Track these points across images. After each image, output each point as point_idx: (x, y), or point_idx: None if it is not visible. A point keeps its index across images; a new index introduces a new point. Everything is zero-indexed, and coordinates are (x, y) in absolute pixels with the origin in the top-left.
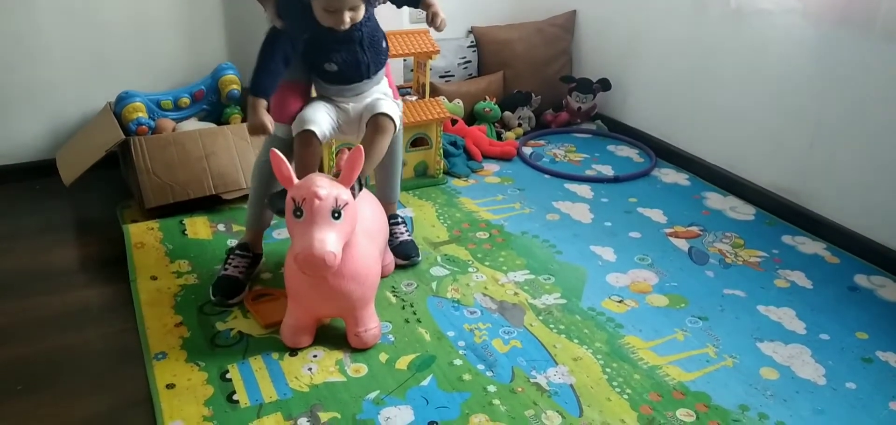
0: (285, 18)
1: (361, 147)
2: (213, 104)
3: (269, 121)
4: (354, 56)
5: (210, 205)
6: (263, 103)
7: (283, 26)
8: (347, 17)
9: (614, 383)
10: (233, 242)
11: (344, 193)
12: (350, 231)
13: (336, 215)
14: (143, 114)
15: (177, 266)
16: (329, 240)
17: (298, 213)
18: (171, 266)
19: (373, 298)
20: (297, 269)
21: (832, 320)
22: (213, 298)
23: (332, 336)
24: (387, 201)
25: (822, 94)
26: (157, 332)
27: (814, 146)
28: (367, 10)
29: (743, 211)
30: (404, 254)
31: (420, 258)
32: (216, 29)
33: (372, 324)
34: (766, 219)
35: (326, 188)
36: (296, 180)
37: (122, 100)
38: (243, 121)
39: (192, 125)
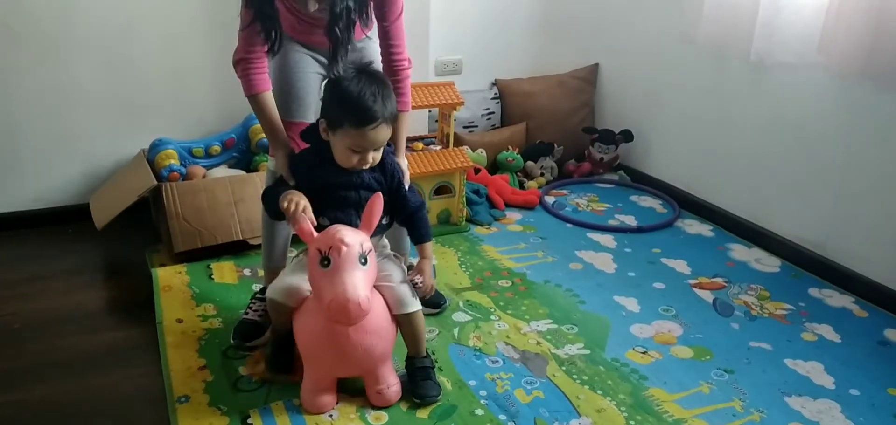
0: (296, 170)
1: (380, 194)
2: (243, 152)
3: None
4: (349, 219)
5: (237, 250)
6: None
7: (292, 182)
8: (370, 157)
9: None
10: (257, 287)
11: (367, 241)
12: (374, 279)
13: (363, 261)
14: (175, 161)
15: (202, 309)
16: (361, 285)
17: (325, 263)
18: (197, 309)
19: (391, 353)
20: (313, 330)
21: (862, 375)
22: (232, 342)
23: (353, 383)
24: (400, 253)
25: (847, 146)
26: (181, 375)
27: (839, 198)
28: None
29: (768, 262)
30: (433, 302)
31: (448, 303)
32: None
33: (393, 380)
34: (792, 271)
35: (351, 235)
36: (315, 234)
37: (156, 147)
38: None
39: (222, 172)
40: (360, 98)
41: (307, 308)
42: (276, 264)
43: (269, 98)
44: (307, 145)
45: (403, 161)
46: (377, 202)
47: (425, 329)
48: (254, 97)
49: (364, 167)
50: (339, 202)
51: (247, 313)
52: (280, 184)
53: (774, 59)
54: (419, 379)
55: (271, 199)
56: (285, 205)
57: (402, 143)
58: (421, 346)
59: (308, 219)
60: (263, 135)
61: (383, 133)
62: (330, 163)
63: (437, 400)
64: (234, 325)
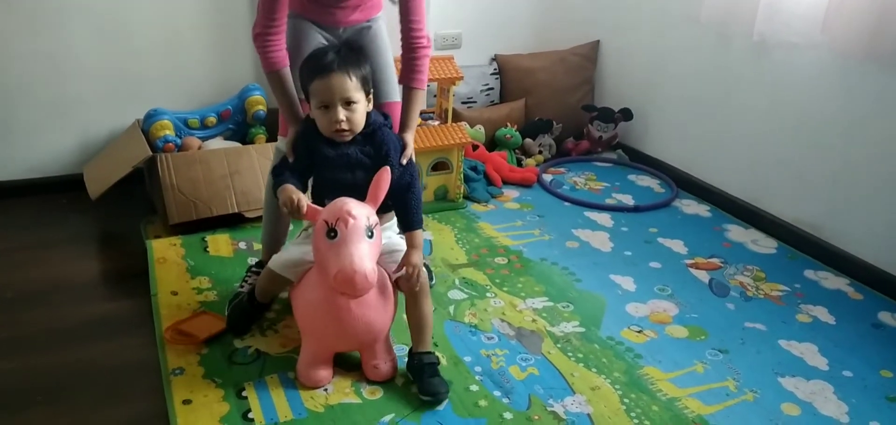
0: (297, 149)
1: (387, 168)
2: (239, 124)
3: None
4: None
5: (232, 222)
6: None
7: (292, 159)
8: (342, 114)
9: (632, 414)
10: (253, 260)
11: (373, 214)
12: (379, 252)
13: (370, 233)
14: (170, 132)
15: (197, 282)
16: (367, 257)
17: (332, 234)
18: (192, 282)
19: (390, 329)
20: (314, 302)
21: (855, 357)
22: (227, 312)
23: (349, 357)
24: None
25: (847, 129)
26: (176, 348)
27: (838, 180)
28: (369, 134)
29: (765, 244)
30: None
31: (435, 281)
32: (244, 51)
33: (390, 356)
34: (789, 252)
35: (357, 207)
36: (321, 210)
37: (151, 117)
38: (268, 141)
39: (217, 144)
40: (315, 53)
41: (309, 281)
42: (276, 245)
43: (287, 74)
44: None
45: (409, 137)
46: (384, 175)
47: (432, 321)
48: (272, 74)
49: (339, 127)
50: (335, 185)
51: (243, 285)
52: (284, 161)
53: (777, 38)
54: (426, 376)
55: (276, 180)
56: (285, 209)
57: (411, 120)
58: (428, 338)
59: (308, 205)
60: (259, 107)
61: (341, 84)
62: (324, 138)
63: (446, 399)
64: (229, 298)
